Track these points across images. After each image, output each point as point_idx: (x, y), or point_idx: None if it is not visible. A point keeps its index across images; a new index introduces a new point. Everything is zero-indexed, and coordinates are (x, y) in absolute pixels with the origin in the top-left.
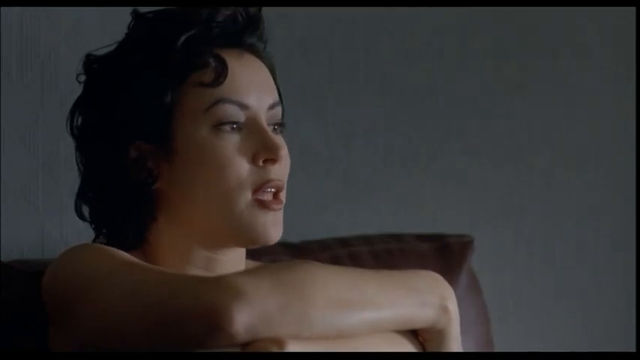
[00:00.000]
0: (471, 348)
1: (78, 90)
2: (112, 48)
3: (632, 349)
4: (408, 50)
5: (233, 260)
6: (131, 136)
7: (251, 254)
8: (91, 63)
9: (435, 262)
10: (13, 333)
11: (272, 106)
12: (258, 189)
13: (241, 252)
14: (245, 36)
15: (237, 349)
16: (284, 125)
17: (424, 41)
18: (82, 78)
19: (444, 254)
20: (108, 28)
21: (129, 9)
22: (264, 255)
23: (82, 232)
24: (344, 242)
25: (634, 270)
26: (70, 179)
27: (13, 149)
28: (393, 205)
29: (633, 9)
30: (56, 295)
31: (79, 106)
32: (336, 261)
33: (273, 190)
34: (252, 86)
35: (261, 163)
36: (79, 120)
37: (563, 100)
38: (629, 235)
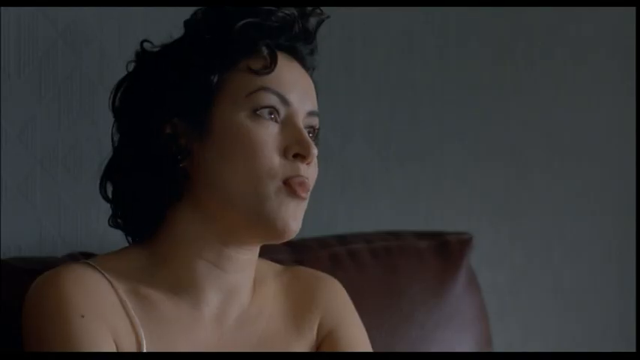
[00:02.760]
0: (470, 346)
1: (75, 87)
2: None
3: (632, 349)
4: (405, 48)
5: (245, 260)
6: (169, 112)
7: None
8: (146, 53)
9: (433, 260)
10: (12, 331)
11: (311, 113)
12: (287, 180)
13: (254, 253)
14: (298, 45)
15: None
16: (318, 139)
17: (422, 39)
18: (131, 66)
19: (443, 252)
20: (105, 26)
21: (127, 8)
22: (264, 253)
23: (80, 230)
24: (343, 240)
25: (634, 269)
26: (68, 177)
27: (11, 147)
28: (392, 203)
29: (633, 9)
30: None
31: (126, 80)
32: (335, 259)
33: (298, 186)
34: (296, 87)
35: (291, 157)
36: (122, 94)
37: (562, 98)
38: (629, 234)
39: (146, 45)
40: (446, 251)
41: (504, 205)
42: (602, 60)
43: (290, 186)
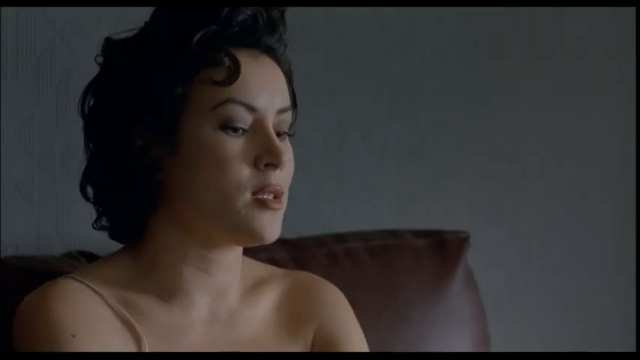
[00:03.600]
0: (468, 344)
1: (73, 86)
2: (131, 34)
3: (632, 349)
4: (403, 46)
5: (230, 261)
6: (138, 124)
7: (249, 250)
8: (110, 47)
9: (431, 258)
10: (10, 328)
11: (282, 111)
12: (256, 192)
13: (238, 252)
14: (263, 37)
15: None
16: (290, 135)
17: (419, 37)
18: (100, 59)
19: (440, 250)
20: (103, 24)
21: (125, 8)
22: (261, 252)
23: (78, 229)
24: (340, 238)
25: (634, 269)
26: (66, 175)
27: (9, 146)
28: (389, 202)
29: (633, 9)
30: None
31: (92, 87)
32: (332, 257)
33: (271, 195)
34: (263, 88)
35: (262, 167)
36: (91, 101)
37: (560, 95)
38: (629, 232)
39: (110, 41)
40: (443, 250)
41: (502, 204)
42: (602, 60)
43: (261, 200)
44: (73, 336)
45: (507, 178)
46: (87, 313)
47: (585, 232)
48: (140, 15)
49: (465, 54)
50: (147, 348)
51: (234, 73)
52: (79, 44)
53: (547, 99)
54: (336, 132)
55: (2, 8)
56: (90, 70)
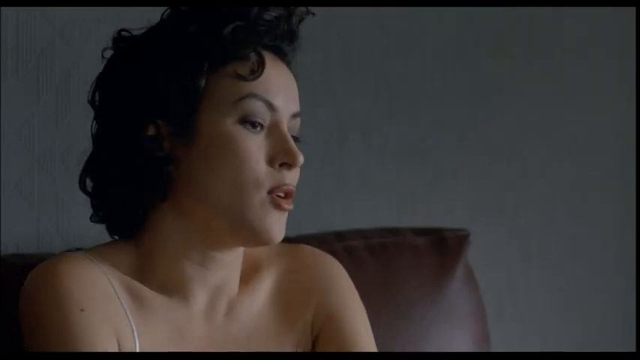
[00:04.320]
0: (468, 342)
1: (73, 86)
2: (142, 31)
3: (632, 349)
4: (403, 46)
5: (231, 259)
6: (153, 113)
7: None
8: (123, 39)
9: (430, 256)
10: (12, 328)
11: (295, 115)
12: (272, 190)
13: (239, 251)
14: (283, 45)
15: None
16: (298, 141)
17: (419, 37)
18: (108, 53)
19: (440, 248)
20: (103, 24)
21: (125, 8)
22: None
23: (77, 228)
24: (340, 236)
25: (634, 267)
26: (66, 175)
27: (9, 145)
28: (389, 201)
29: (633, 9)
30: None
31: (105, 75)
32: (332, 255)
33: (283, 194)
34: (281, 90)
35: (277, 167)
36: (103, 89)
37: (560, 95)
38: (629, 232)
39: (125, 34)
40: (443, 247)
41: (502, 204)
42: (602, 60)
43: (275, 199)
44: (82, 310)
45: (507, 178)
46: (96, 289)
47: (585, 232)
48: (140, 15)
49: (465, 54)
50: (137, 343)
51: (259, 68)
52: (79, 44)
53: (547, 99)
54: (336, 132)
55: (2, 8)
56: (90, 70)
